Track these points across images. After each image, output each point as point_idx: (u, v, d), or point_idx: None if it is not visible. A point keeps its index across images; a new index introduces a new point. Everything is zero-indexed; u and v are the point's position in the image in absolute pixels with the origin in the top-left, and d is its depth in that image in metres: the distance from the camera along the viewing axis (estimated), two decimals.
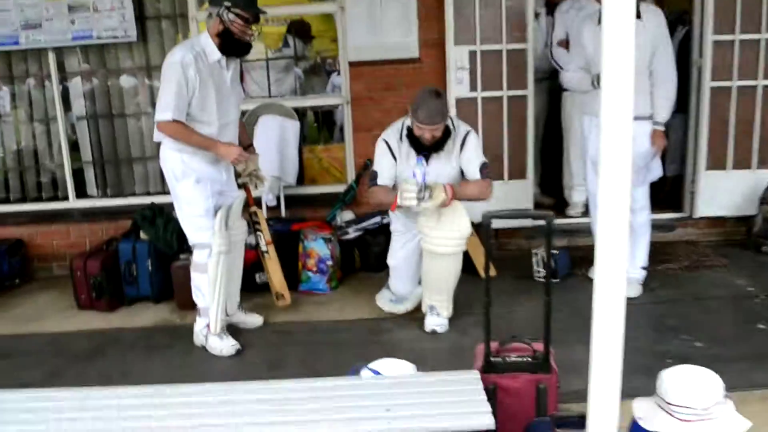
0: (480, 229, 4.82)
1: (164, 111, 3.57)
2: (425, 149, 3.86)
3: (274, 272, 4.24)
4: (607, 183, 1.82)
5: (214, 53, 3.66)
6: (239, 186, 4.02)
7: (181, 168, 3.70)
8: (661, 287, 4.39)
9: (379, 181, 3.96)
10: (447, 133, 3.89)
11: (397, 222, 4.19)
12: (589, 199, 4.48)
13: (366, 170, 5.19)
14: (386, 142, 3.97)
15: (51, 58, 5.40)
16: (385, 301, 4.25)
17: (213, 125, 3.70)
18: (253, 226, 4.18)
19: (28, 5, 5.19)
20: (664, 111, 4.08)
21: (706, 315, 3.99)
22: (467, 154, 3.94)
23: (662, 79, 4.03)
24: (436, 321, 3.95)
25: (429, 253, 3.85)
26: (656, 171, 4.31)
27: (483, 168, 3.94)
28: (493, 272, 2.87)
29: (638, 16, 3.68)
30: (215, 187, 3.81)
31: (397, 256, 4.19)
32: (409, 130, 3.88)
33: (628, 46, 1.69)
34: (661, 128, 4.10)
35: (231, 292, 3.97)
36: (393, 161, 3.95)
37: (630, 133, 1.76)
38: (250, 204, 4.14)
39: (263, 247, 4.21)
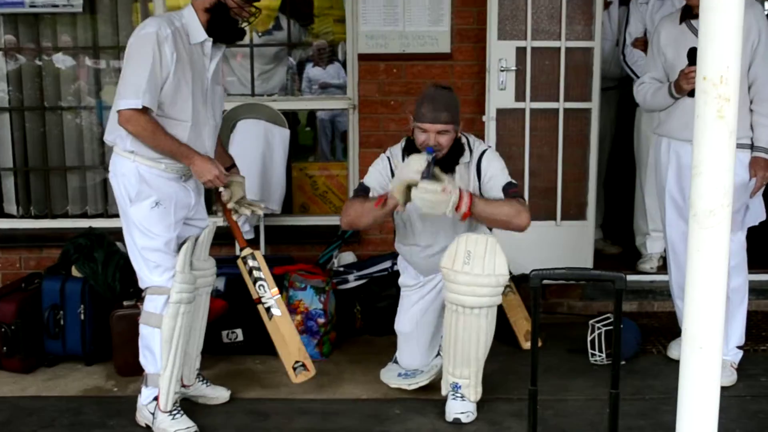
0: (520, 284, 4.77)
1: (131, 96, 3.44)
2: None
3: (290, 335, 4.07)
4: (697, 231, 1.73)
5: (199, 33, 3.60)
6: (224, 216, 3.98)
7: (136, 184, 3.58)
8: (764, 374, 4.30)
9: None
10: (459, 149, 3.84)
11: (407, 273, 4.13)
12: (668, 249, 4.40)
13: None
14: (389, 158, 3.96)
15: None
16: (392, 375, 4.15)
17: (185, 125, 3.60)
18: (250, 273, 4.07)
19: None
20: (766, 131, 4.00)
21: None
22: (488, 174, 3.87)
23: (765, 91, 3.97)
24: (461, 407, 3.83)
25: (453, 306, 3.74)
26: (758, 213, 4.24)
27: (509, 188, 3.82)
28: (538, 343, 2.77)
29: None
30: (180, 213, 3.73)
31: (406, 318, 4.10)
32: (410, 142, 3.86)
33: (733, 45, 1.63)
34: (765, 155, 4.02)
35: (189, 354, 3.89)
36: (388, 180, 3.89)
37: (732, 162, 1.69)
38: (241, 244, 4.09)
39: (268, 302, 4.06)
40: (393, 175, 3.86)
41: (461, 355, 3.79)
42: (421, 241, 3.95)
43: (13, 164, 5.66)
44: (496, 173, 3.84)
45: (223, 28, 3.62)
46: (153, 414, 3.71)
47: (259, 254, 4.09)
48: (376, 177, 3.92)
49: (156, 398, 3.71)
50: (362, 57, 5.25)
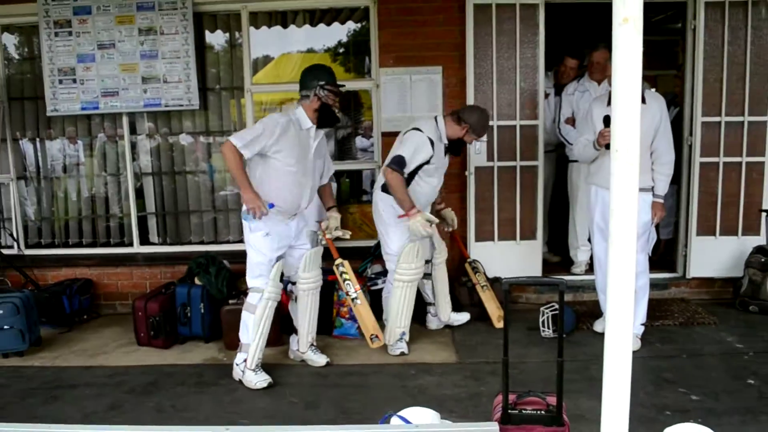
0: (494, 284, 4.76)
1: (239, 139, 3.59)
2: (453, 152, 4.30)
3: (367, 316, 4.15)
4: (617, 248, 1.74)
5: (306, 122, 3.77)
6: (323, 239, 4.12)
7: (256, 221, 3.67)
8: (659, 342, 4.27)
9: (405, 170, 4.08)
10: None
11: None
12: (594, 259, 4.37)
13: None
14: (430, 139, 4.12)
15: (124, 120, 5.46)
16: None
17: (293, 168, 3.71)
18: (341, 275, 4.16)
19: (108, 76, 5.27)
20: (663, 185, 4.05)
21: (701, 370, 3.84)
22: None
23: (663, 157, 4.01)
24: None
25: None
26: (653, 237, 4.27)
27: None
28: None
29: (643, 101, 3.63)
30: (283, 242, 3.80)
31: None
32: (448, 138, 4.20)
33: (635, 128, 1.64)
34: (661, 200, 4.05)
35: (302, 332, 4.01)
36: (428, 157, 4.10)
37: (635, 204, 1.69)
38: (335, 256, 4.17)
39: (353, 294, 4.14)
40: (433, 151, 4.14)
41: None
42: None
43: (155, 209, 5.69)
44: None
45: (328, 118, 3.80)
46: (243, 371, 3.73)
47: (347, 263, 4.16)
48: (418, 154, 4.13)
49: (245, 360, 3.74)
50: (384, 134, 5.25)
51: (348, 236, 4.11)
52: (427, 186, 4.23)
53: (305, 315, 4.00)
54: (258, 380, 3.72)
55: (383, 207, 4.21)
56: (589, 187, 4.33)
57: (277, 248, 3.78)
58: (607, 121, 3.84)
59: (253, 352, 3.74)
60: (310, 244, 4.03)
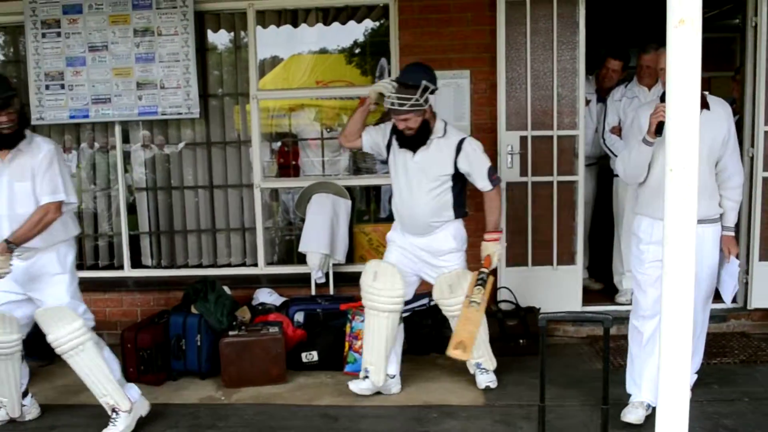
0: (527, 315, 4.66)
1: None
2: (407, 144, 3.91)
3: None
4: (671, 292, 1.64)
5: None
6: None
7: None
8: (717, 383, 4.14)
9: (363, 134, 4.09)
10: (426, 129, 3.88)
11: None
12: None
13: None
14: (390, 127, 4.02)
15: (117, 129, 5.48)
16: None
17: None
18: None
19: (99, 81, 5.30)
20: (734, 213, 3.58)
21: (765, 417, 3.69)
22: (468, 159, 3.90)
23: (733, 179, 3.54)
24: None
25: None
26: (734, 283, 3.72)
27: (491, 173, 3.93)
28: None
29: (706, 106, 3.42)
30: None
31: None
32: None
33: (693, 142, 1.55)
34: (732, 233, 3.61)
35: None
36: (382, 137, 4.05)
37: (692, 234, 1.59)
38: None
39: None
40: (389, 139, 4.02)
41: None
42: None
43: (148, 227, 5.68)
44: (478, 159, 3.94)
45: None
46: None
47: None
48: (376, 129, 4.10)
49: None
50: None
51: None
52: None
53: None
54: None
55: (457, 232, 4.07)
56: (640, 218, 3.65)
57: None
58: (660, 127, 3.35)
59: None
60: None
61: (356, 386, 4.08)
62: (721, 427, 3.56)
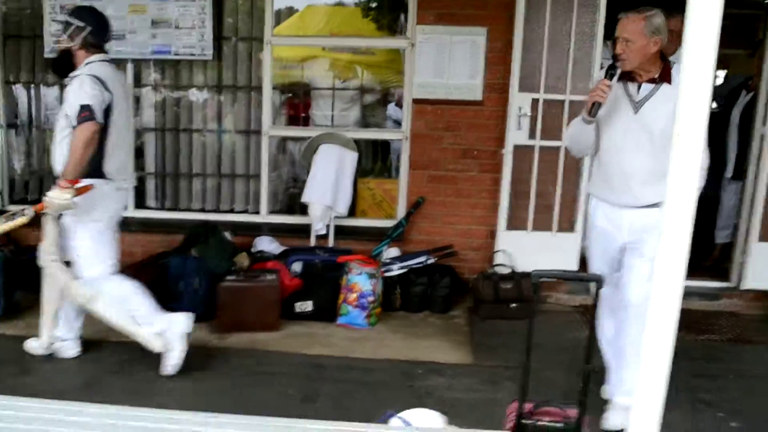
0: (522, 278, 4.62)
1: None
2: None
3: None
4: (666, 257, 1.57)
5: None
6: None
7: None
8: (702, 358, 4.11)
9: None
10: None
11: None
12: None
13: (418, 207, 5.02)
14: None
15: (129, 68, 5.43)
16: None
17: None
18: None
19: (115, 17, 5.18)
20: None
21: (747, 394, 3.68)
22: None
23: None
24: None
25: None
26: None
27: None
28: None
29: (668, 79, 3.13)
30: None
31: None
32: None
33: (704, 108, 1.48)
34: None
35: None
36: None
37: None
38: None
39: None
40: None
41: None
42: None
43: (154, 169, 5.68)
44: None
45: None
46: None
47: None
48: None
49: None
50: (416, 101, 5.12)
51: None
52: None
53: None
54: None
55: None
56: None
57: None
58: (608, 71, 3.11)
59: None
60: None
61: (29, 344, 3.89)
62: (701, 401, 3.54)
